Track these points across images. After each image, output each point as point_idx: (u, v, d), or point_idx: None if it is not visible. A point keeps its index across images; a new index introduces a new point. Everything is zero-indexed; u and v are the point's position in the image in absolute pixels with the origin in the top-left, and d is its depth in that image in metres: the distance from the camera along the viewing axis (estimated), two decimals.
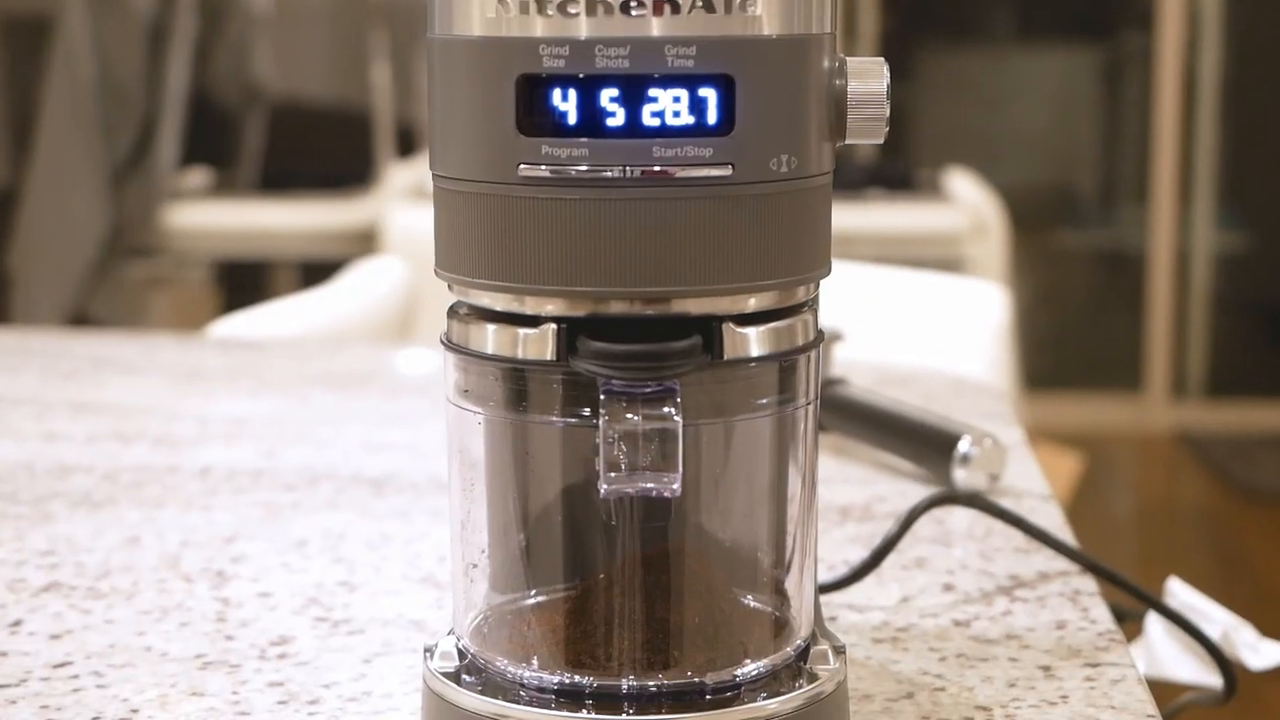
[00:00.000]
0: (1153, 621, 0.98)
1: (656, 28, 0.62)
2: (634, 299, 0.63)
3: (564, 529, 0.69)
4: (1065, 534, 0.98)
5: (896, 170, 3.80)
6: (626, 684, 0.67)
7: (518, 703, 0.66)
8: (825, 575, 0.90)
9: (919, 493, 1.04)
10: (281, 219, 3.67)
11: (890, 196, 3.52)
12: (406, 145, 3.93)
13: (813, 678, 0.69)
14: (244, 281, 3.92)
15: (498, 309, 0.66)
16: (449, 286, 0.68)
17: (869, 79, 0.66)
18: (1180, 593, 0.97)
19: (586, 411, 0.65)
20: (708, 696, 0.67)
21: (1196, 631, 0.91)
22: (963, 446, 1.07)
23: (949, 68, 5.60)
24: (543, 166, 0.63)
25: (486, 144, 0.64)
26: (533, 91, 0.62)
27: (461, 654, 0.70)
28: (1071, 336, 5.32)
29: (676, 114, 0.62)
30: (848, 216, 3.24)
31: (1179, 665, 0.96)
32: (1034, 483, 1.09)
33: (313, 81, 4.21)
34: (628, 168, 0.62)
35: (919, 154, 5.16)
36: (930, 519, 1.01)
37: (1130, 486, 4.42)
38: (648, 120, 0.62)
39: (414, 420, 1.31)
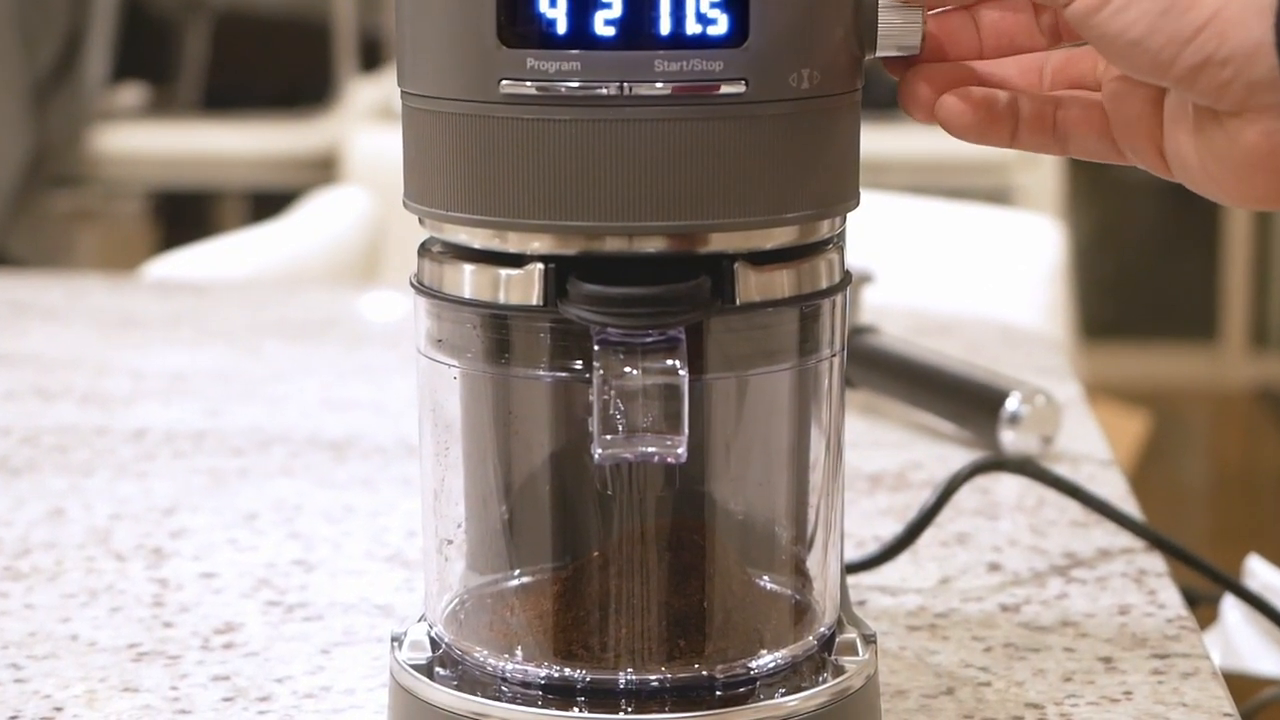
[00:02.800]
0: (1230, 606, 0.98)
1: None
2: (633, 235, 0.63)
3: (552, 500, 0.69)
4: (1129, 505, 0.98)
5: None
6: (624, 678, 0.67)
7: (499, 699, 0.67)
8: (853, 553, 0.90)
9: (961, 458, 1.04)
10: (228, 143, 3.66)
11: None
12: (371, 59, 3.91)
13: (838, 671, 0.69)
14: (184, 214, 3.92)
15: (476, 246, 0.65)
16: (420, 221, 0.67)
17: None
18: (1261, 573, 0.97)
19: (578, 365, 0.65)
20: (718, 692, 0.67)
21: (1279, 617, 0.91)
22: (1011, 405, 1.07)
23: None
24: (528, 83, 0.62)
25: (463, 57, 0.63)
26: None
27: (434, 643, 0.70)
28: (1137, 278, 5.32)
29: (681, 22, 0.62)
30: (879, 140, 3.24)
31: (1259, 656, 0.97)
32: (1093, 446, 1.09)
33: None
34: (625, 84, 0.62)
35: None
36: (973, 488, 1.01)
37: (1204, 450, 4.43)
38: (648, 30, 0.62)
39: (380, 374, 1.31)
